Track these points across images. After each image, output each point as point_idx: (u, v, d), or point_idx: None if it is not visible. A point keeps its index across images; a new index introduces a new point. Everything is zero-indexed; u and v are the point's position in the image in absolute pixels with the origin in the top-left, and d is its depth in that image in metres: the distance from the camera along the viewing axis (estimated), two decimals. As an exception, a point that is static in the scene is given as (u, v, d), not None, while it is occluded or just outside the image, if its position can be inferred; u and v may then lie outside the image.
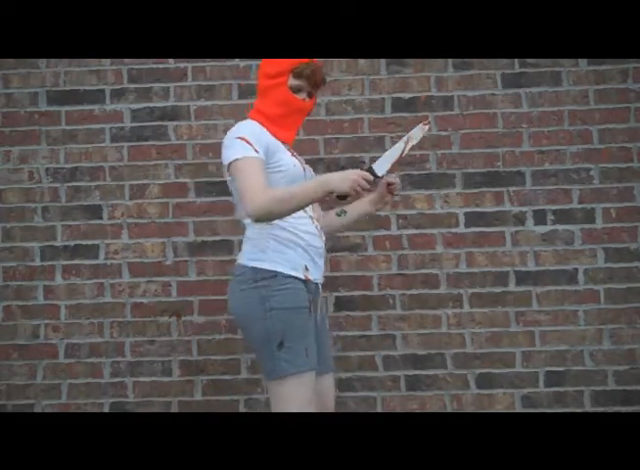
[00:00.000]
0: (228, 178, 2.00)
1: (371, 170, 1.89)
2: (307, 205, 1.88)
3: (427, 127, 1.97)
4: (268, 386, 1.91)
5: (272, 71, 1.99)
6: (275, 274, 1.89)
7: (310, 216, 2.00)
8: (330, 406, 2.06)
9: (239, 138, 1.91)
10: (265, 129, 1.98)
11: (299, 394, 1.84)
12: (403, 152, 1.94)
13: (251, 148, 1.89)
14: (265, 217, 1.86)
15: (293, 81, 1.97)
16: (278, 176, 1.94)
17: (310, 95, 2.02)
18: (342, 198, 1.85)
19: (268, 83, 2.00)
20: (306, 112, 2.06)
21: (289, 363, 1.84)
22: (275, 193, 1.84)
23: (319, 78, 2.00)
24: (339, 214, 2.09)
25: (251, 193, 1.83)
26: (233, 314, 2.00)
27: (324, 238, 2.04)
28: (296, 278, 1.91)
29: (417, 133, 1.96)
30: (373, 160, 1.99)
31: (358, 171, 1.83)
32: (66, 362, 2.68)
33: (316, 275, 1.99)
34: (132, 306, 2.69)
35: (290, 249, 1.93)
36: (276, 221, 1.91)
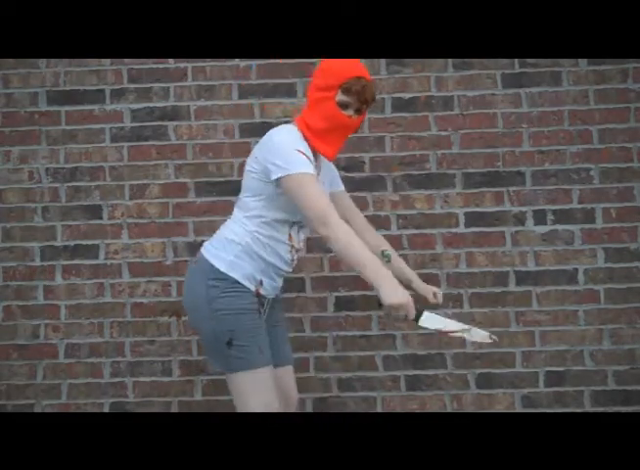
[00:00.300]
0: (263, 180, 1.94)
1: (418, 315, 1.82)
2: (358, 271, 1.80)
3: (491, 341, 1.93)
4: (226, 378, 1.96)
5: (321, 84, 1.94)
6: (226, 277, 1.93)
7: (292, 245, 2.02)
8: (293, 396, 2.14)
9: (299, 151, 1.88)
10: (305, 141, 1.95)
11: (258, 387, 1.89)
12: (451, 332, 1.92)
13: (312, 166, 1.88)
14: (330, 243, 1.82)
15: (341, 97, 1.92)
16: (280, 195, 1.92)
17: (359, 111, 1.96)
18: (379, 303, 1.78)
19: (317, 96, 1.95)
20: (352, 129, 2.00)
21: (242, 360, 1.89)
22: (354, 238, 1.81)
23: (369, 95, 1.94)
24: (383, 257, 2.14)
25: (325, 215, 1.80)
26: (184, 299, 2.05)
27: (294, 264, 2.08)
28: (244, 286, 1.95)
29: (477, 335, 1.92)
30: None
31: (411, 303, 1.76)
32: (66, 362, 2.68)
33: (270, 292, 2.04)
34: (132, 306, 2.69)
35: (252, 260, 1.96)
36: (254, 228, 1.95)
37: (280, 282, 2.07)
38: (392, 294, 1.74)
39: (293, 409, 2.16)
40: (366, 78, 1.94)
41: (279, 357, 2.07)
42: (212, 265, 1.94)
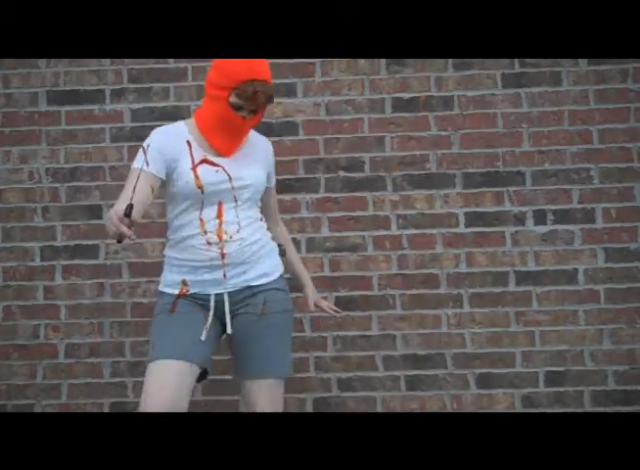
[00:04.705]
0: None
1: (128, 210, 1.73)
2: None
3: None
4: None
5: (215, 82, 1.93)
6: (160, 292, 2.06)
7: (204, 231, 1.97)
8: (257, 410, 2.01)
9: (142, 147, 1.98)
10: (192, 134, 2.00)
11: (147, 378, 1.91)
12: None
13: (144, 160, 1.96)
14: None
15: (234, 99, 1.90)
16: (172, 192, 2.01)
17: (255, 112, 1.94)
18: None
19: (211, 92, 1.95)
20: (247, 128, 1.99)
21: (151, 353, 1.96)
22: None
23: (262, 100, 1.90)
24: (280, 249, 2.19)
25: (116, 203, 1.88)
26: None
27: (226, 251, 1.97)
28: (169, 294, 2.02)
29: None
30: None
31: (114, 218, 1.72)
32: (66, 362, 2.68)
33: (205, 286, 2.00)
34: (132, 306, 2.69)
35: (168, 266, 2.05)
36: (170, 234, 2.05)
37: (210, 276, 1.98)
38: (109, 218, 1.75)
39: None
40: (261, 80, 1.88)
41: (249, 370, 2.01)
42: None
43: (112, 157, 2.74)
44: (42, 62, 2.77)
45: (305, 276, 2.28)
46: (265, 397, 2.00)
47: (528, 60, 2.70)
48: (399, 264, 2.66)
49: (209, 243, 1.97)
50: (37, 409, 2.67)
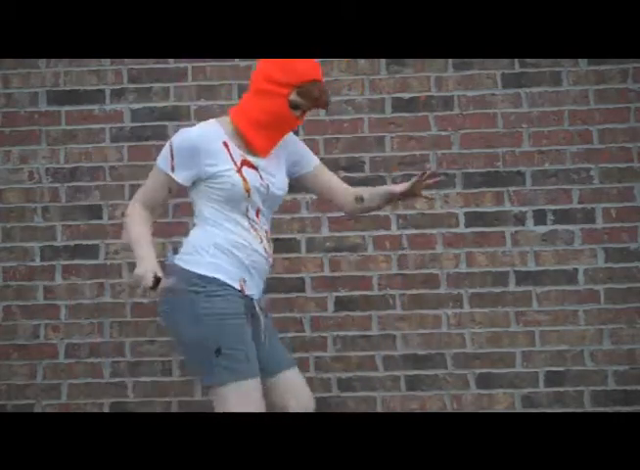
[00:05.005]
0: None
1: (154, 284, 1.81)
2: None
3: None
4: (209, 391, 1.86)
5: (276, 78, 1.86)
6: (210, 280, 1.85)
7: (260, 236, 1.95)
8: (302, 403, 2.00)
9: (169, 144, 1.91)
10: (227, 134, 1.93)
11: (242, 403, 1.80)
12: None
13: (170, 164, 1.90)
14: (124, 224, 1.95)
15: (295, 97, 1.87)
16: (215, 194, 1.92)
17: (304, 112, 1.93)
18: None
19: (266, 87, 1.87)
20: (292, 128, 1.96)
21: (228, 371, 1.80)
22: (134, 216, 1.95)
23: (325, 100, 1.89)
24: (357, 200, 2.06)
25: (134, 197, 1.97)
26: (162, 317, 1.93)
27: (271, 260, 2.00)
28: (231, 287, 1.88)
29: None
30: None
31: (148, 275, 1.81)
32: (66, 362, 2.68)
33: (254, 291, 1.96)
34: (132, 306, 2.69)
35: (229, 258, 1.89)
36: (218, 231, 1.91)
37: (260, 282, 1.99)
38: (138, 269, 1.84)
39: (311, 408, 2.04)
40: (321, 82, 1.89)
41: (275, 364, 1.99)
42: (190, 271, 1.87)
43: (112, 157, 2.74)
44: (42, 62, 2.77)
45: (385, 187, 2.03)
46: (302, 379, 2.04)
47: (528, 60, 2.70)
48: (399, 264, 2.67)
49: (265, 248, 1.96)
50: (37, 409, 2.67)
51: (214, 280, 1.86)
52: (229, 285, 1.87)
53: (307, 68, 1.87)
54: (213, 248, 1.89)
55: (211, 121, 1.96)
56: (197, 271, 1.86)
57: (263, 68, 1.90)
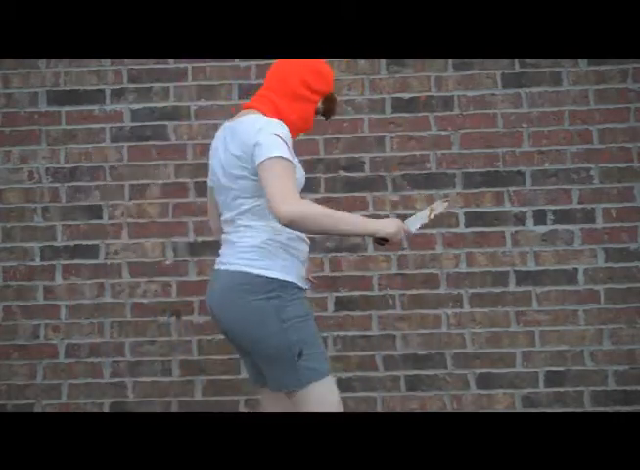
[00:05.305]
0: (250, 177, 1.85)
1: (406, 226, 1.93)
2: (346, 234, 1.75)
3: (446, 204, 2.04)
4: (293, 397, 1.82)
5: (315, 86, 1.90)
6: (286, 284, 1.81)
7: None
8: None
9: (276, 135, 1.76)
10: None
11: (330, 397, 1.82)
12: (428, 218, 2.01)
13: (288, 150, 1.76)
14: (296, 225, 1.69)
15: (320, 104, 1.95)
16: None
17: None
18: (380, 242, 1.86)
19: (302, 92, 1.88)
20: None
21: (312, 371, 1.80)
22: (314, 205, 1.73)
23: (335, 110, 2.00)
24: None
25: (283, 195, 1.69)
26: (237, 327, 1.81)
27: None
28: (301, 288, 1.86)
29: (439, 206, 2.03)
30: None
31: (401, 223, 1.85)
32: (66, 362, 2.68)
33: (306, 285, 1.96)
34: (132, 306, 2.69)
35: (294, 258, 1.85)
36: (282, 230, 1.84)
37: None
38: (387, 223, 1.81)
39: None
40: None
41: None
42: (267, 277, 1.79)
43: (112, 157, 2.74)
44: (42, 62, 2.77)
45: None
46: None
47: (528, 60, 2.70)
48: (399, 264, 2.67)
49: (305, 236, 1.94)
50: (37, 409, 2.67)
51: (289, 284, 1.82)
52: (299, 286, 1.85)
53: (332, 76, 1.95)
54: (282, 250, 1.84)
55: (262, 116, 1.85)
56: (272, 277, 1.80)
57: (299, 72, 1.89)
